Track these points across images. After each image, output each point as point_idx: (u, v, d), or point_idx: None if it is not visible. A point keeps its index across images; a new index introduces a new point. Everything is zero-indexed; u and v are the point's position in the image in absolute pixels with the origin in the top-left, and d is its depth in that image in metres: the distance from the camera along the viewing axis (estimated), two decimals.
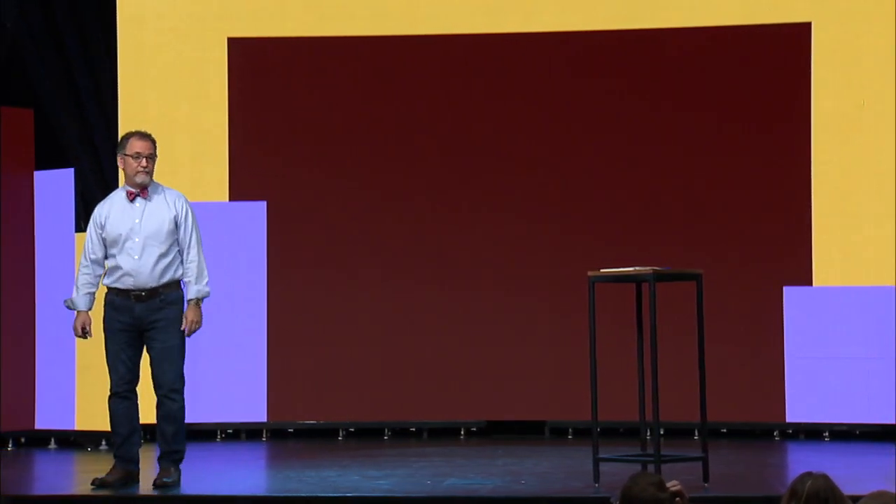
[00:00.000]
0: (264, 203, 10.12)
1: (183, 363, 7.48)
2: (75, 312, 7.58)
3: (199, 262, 7.51)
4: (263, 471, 9.04)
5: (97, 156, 10.24)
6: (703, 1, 9.96)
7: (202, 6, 10.19)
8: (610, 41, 10.05)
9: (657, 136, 10.03)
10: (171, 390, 7.42)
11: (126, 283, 7.41)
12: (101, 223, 7.50)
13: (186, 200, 7.58)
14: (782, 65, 9.92)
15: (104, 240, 7.48)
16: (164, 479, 7.40)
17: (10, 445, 9.88)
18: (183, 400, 7.47)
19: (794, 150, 9.87)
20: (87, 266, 7.52)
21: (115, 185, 10.11)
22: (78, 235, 9.85)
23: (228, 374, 10.00)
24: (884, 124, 9.68)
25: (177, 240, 7.48)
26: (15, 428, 9.87)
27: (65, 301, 7.63)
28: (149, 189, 7.52)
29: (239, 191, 10.12)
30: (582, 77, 10.13)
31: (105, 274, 7.52)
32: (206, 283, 7.51)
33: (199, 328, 7.50)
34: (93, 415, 9.63)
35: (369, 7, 10.17)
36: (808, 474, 4.07)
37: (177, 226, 7.47)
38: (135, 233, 7.43)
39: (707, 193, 9.99)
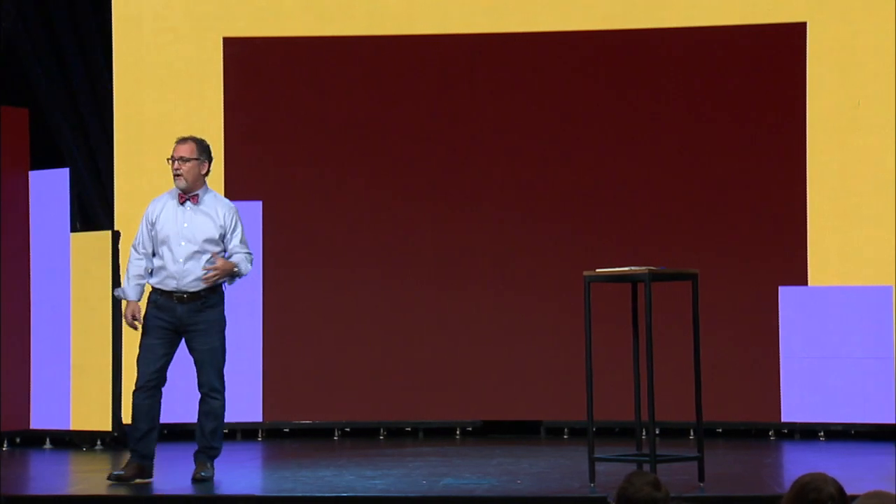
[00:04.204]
0: (260, 203, 10.11)
1: (224, 363, 7.69)
2: (124, 302, 7.75)
3: (246, 254, 7.71)
4: (259, 470, 9.03)
5: (93, 156, 10.23)
6: (699, 1, 9.97)
7: (198, 6, 10.18)
8: (606, 41, 10.05)
9: (652, 135, 10.03)
10: (211, 389, 7.66)
11: (170, 286, 7.60)
12: (151, 221, 7.69)
13: (236, 212, 7.75)
14: (778, 64, 9.93)
15: (154, 237, 7.64)
16: (202, 474, 7.60)
17: (5, 445, 9.87)
18: (224, 399, 7.69)
19: (790, 150, 9.87)
20: (139, 259, 7.69)
21: (110, 185, 10.14)
22: (73, 235, 9.85)
23: (224, 374, 9.97)
24: (879, 124, 9.69)
25: (223, 248, 7.67)
26: (10, 428, 9.86)
27: (114, 291, 7.83)
28: (199, 194, 7.67)
29: (235, 190, 10.09)
30: (579, 77, 10.12)
31: (151, 272, 7.67)
32: (245, 269, 7.69)
33: (216, 277, 7.59)
34: (88, 415, 9.63)
35: (366, 7, 10.17)
36: (823, 480, 3.95)
37: (222, 237, 7.65)
38: (181, 237, 7.60)
39: (702, 193, 9.99)
